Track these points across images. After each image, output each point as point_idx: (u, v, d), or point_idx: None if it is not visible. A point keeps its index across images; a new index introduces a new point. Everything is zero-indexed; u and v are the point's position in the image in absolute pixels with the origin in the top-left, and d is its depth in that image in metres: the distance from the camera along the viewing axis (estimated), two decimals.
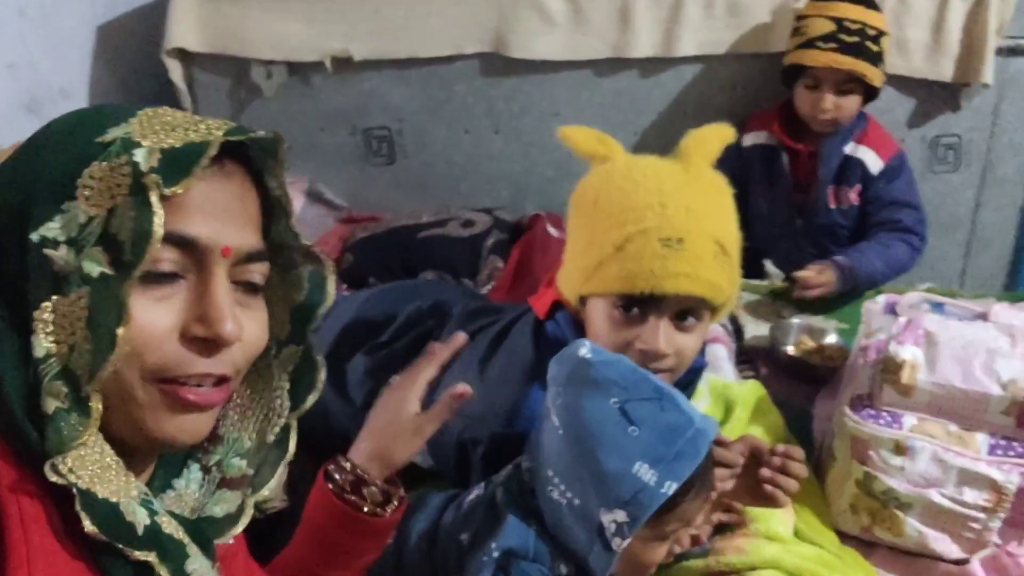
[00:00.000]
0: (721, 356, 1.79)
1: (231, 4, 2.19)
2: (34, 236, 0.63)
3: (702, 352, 1.46)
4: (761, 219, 2.21)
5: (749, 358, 1.90)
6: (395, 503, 1.02)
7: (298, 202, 2.39)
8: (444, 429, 1.35)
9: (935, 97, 2.28)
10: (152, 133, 0.66)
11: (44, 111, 2.04)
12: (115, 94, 2.31)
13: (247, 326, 0.71)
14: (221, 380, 0.71)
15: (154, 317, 0.65)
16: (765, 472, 1.16)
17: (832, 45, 1.98)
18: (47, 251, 0.63)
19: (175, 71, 2.25)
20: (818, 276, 1.95)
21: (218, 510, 0.77)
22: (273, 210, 0.76)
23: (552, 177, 2.36)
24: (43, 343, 0.63)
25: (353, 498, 1.00)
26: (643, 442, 0.91)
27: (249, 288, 0.73)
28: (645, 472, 0.89)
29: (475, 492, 1.13)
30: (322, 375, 0.82)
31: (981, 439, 1.28)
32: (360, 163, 2.43)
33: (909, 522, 1.30)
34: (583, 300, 1.25)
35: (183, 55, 2.26)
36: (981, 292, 2.23)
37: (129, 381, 0.66)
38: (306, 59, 2.26)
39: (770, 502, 1.17)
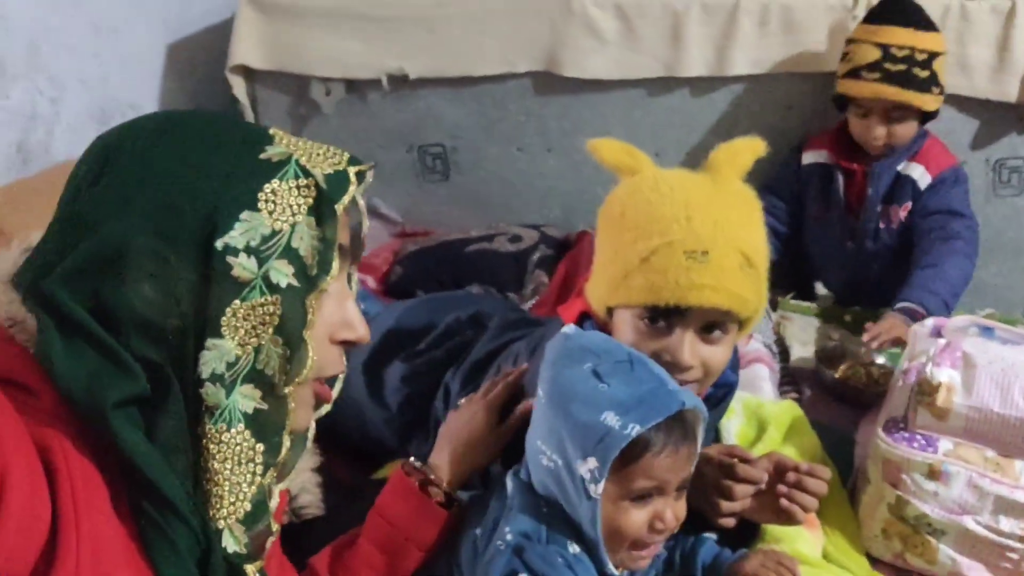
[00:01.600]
0: (762, 376, 1.76)
1: (292, 23, 2.26)
2: (219, 244, 0.68)
3: (735, 369, 1.45)
4: (815, 240, 2.18)
5: (794, 380, 1.87)
6: (455, 508, 1.14)
7: None
8: None
9: (998, 118, 2.21)
10: (306, 155, 0.73)
11: (113, 123, 2.11)
12: (183, 109, 2.40)
13: None
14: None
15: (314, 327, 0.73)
16: (781, 487, 1.14)
17: (876, 75, 1.93)
18: (230, 258, 0.68)
19: (238, 87, 2.33)
20: (892, 330, 1.78)
21: None
22: None
23: (603, 196, 2.32)
24: (231, 347, 0.68)
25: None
26: (611, 395, 0.98)
27: None
28: (611, 419, 0.96)
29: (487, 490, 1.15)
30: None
31: (1020, 466, 1.24)
32: (416, 179, 2.47)
33: (942, 549, 1.26)
34: (610, 311, 1.26)
35: (246, 72, 2.34)
36: None
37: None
38: (363, 76, 2.31)
39: (788, 519, 1.15)
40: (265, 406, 0.71)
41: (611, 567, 1.02)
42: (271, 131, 0.75)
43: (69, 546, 0.62)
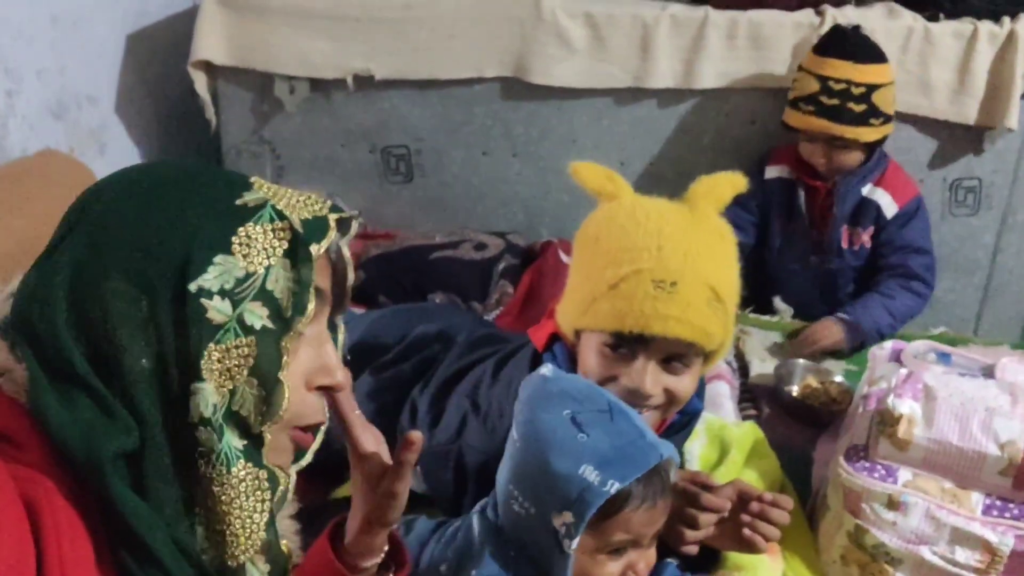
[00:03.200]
0: (723, 394, 1.78)
1: (257, 19, 2.22)
2: (192, 287, 0.67)
3: (701, 395, 1.46)
4: (776, 254, 2.20)
5: (753, 396, 1.89)
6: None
7: None
8: (443, 458, 1.36)
9: (957, 139, 2.25)
10: (284, 201, 0.73)
11: (70, 116, 2.07)
12: (142, 102, 2.35)
13: None
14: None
15: (289, 369, 0.72)
16: (745, 517, 1.16)
17: (811, 108, 1.99)
18: (204, 301, 0.67)
19: (200, 83, 2.28)
20: (824, 331, 1.97)
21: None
22: None
23: (568, 203, 2.36)
24: (211, 390, 0.68)
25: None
26: (590, 447, 0.96)
27: None
28: (590, 473, 0.94)
29: (457, 522, 1.14)
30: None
31: (976, 498, 1.27)
32: (378, 180, 2.44)
33: None
34: (578, 334, 1.26)
35: (208, 67, 2.28)
36: (996, 339, 2.20)
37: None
38: (329, 76, 2.27)
39: (750, 547, 1.17)
40: (247, 442, 0.71)
41: None
42: (251, 179, 0.75)
43: None
